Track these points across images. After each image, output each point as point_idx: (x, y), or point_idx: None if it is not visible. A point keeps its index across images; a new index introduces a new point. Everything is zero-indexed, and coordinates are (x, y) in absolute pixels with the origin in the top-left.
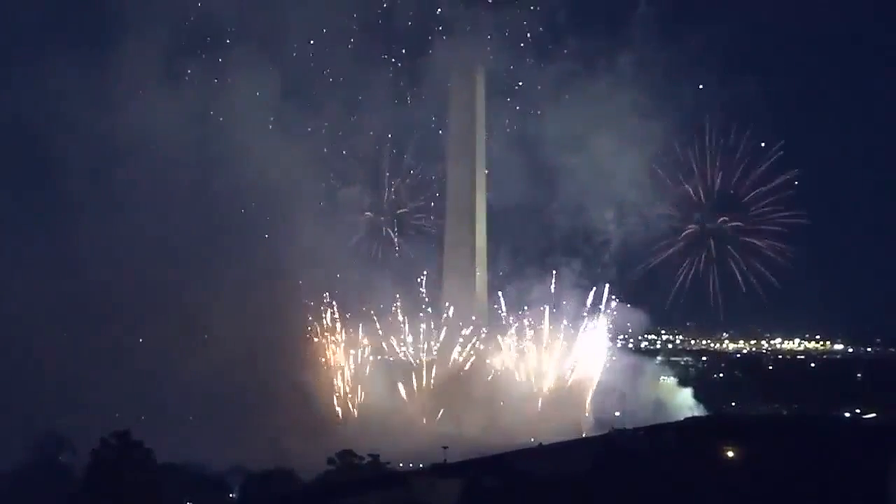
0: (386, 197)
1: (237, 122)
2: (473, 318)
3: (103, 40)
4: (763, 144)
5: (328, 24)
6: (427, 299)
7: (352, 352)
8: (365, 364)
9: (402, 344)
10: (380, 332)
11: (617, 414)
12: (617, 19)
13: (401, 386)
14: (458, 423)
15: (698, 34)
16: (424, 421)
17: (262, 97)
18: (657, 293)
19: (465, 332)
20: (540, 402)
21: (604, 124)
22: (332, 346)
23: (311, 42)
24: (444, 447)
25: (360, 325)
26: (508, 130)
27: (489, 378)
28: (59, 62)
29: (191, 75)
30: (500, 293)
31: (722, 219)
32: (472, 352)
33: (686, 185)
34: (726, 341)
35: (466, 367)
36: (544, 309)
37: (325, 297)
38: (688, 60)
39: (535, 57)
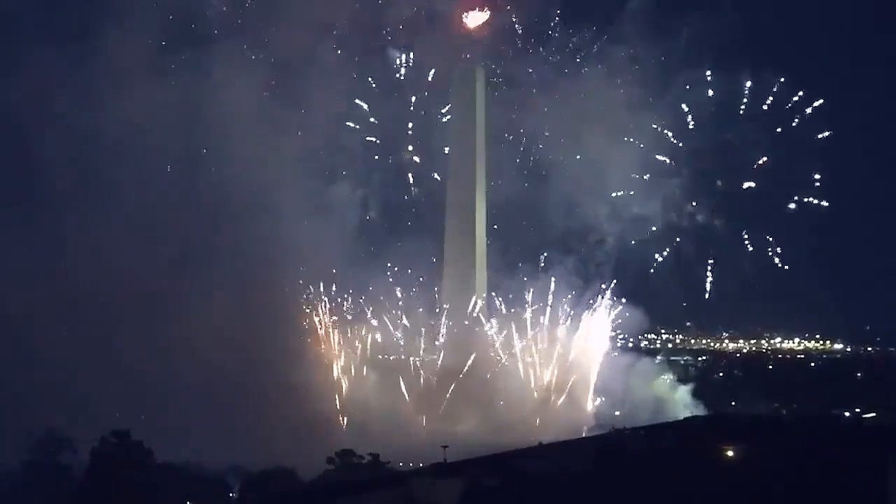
0: (382, 195)
1: (227, 116)
2: (473, 316)
3: (89, 34)
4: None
5: (321, 18)
6: (426, 297)
7: (351, 351)
8: (364, 363)
9: (401, 342)
10: (379, 331)
11: (617, 413)
12: (611, 13)
13: (401, 385)
14: (457, 422)
15: (693, 27)
16: (424, 420)
17: (252, 91)
18: (656, 292)
19: (465, 330)
20: (539, 401)
21: (600, 120)
22: (331, 345)
23: (304, 36)
24: (444, 447)
25: (360, 323)
26: (506, 134)
27: (488, 377)
28: (44, 56)
29: (179, 69)
30: (497, 291)
31: (720, 215)
32: (471, 350)
33: (682, 181)
34: (726, 341)
35: (466, 367)
36: (544, 307)
37: (324, 296)
38: (683, 54)
39: (529, 53)
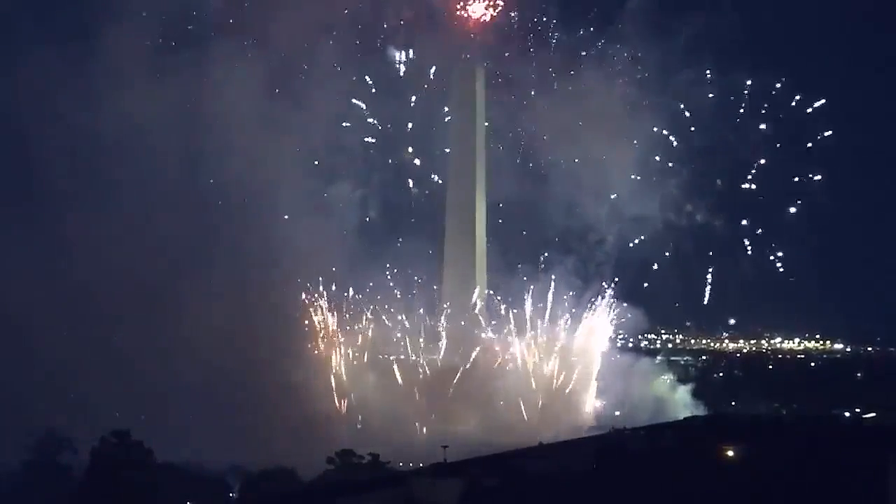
0: (382, 195)
1: (227, 116)
2: (473, 316)
3: (88, 34)
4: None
5: (320, 18)
6: (426, 297)
7: (351, 350)
8: (364, 363)
9: (401, 342)
10: (379, 330)
11: (617, 413)
12: (610, 13)
13: (400, 385)
14: (457, 422)
15: (693, 27)
16: (424, 420)
17: (252, 91)
18: (656, 292)
19: (465, 330)
20: (540, 401)
21: (598, 119)
22: (331, 344)
23: (302, 35)
24: (444, 447)
25: (359, 323)
26: (509, 135)
27: (488, 377)
28: (44, 56)
29: (178, 69)
30: (497, 291)
31: (719, 215)
32: (471, 350)
33: (682, 181)
34: (726, 341)
35: (466, 366)
36: (544, 307)
37: (324, 296)
38: (683, 54)
39: (528, 52)
